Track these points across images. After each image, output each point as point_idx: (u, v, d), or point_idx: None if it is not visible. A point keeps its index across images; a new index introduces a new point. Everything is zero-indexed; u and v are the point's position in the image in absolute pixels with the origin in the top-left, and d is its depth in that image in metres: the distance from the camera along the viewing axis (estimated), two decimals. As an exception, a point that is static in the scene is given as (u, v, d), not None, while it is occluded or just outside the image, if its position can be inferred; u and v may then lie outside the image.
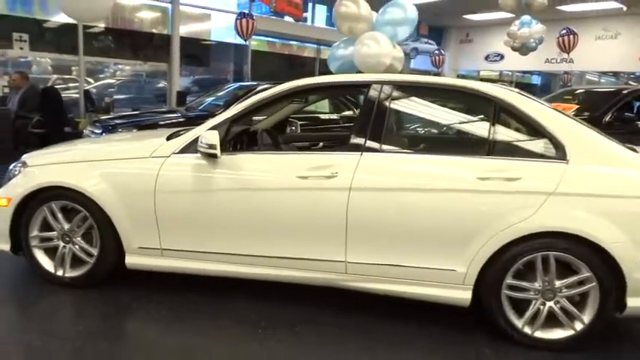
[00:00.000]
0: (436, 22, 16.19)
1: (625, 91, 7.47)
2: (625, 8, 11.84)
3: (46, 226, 3.07)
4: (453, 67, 17.38)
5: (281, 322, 2.80)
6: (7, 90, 8.27)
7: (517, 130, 2.78)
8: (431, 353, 2.60)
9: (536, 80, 20.04)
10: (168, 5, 11.50)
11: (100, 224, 2.97)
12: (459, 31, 16.81)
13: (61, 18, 9.93)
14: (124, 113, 7.95)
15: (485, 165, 2.64)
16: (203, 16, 12.99)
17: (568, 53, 11.29)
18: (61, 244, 3.07)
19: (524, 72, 17.07)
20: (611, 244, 2.48)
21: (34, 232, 3.07)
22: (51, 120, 7.92)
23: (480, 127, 2.86)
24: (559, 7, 12.05)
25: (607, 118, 7.03)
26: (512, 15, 10.29)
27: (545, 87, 18.61)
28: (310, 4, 14.17)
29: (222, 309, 2.92)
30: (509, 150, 2.73)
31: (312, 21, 14.29)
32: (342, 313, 2.94)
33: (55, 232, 3.06)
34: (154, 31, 12.17)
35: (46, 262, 3.11)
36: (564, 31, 11.36)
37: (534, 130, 2.69)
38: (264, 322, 2.78)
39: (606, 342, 2.74)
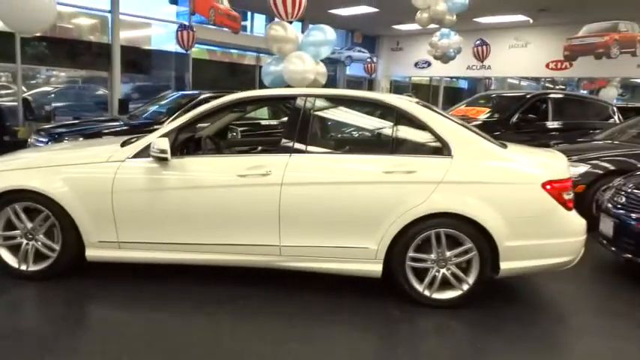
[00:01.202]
0: (369, 32, 17.18)
1: (528, 96, 8.59)
2: (531, 21, 13.27)
3: (9, 226, 3.41)
4: (386, 73, 18.44)
5: (223, 298, 3.31)
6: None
7: (414, 132, 3.44)
8: (350, 315, 3.20)
9: (463, 84, 21.51)
10: (108, 15, 11.61)
11: (61, 222, 3.35)
12: (391, 40, 17.90)
13: (-5, 26, 9.85)
14: (67, 122, 8.08)
15: (389, 161, 3.28)
16: (143, 24, 13.16)
17: (482, 61, 12.51)
18: (24, 241, 3.42)
19: (450, 77, 18.37)
20: (486, 220, 3.17)
21: (-2, 231, 3.41)
22: (-10, 129, 7.94)
23: (385, 131, 3.51)
24: (475, 19, 13.29)
25: (514, 119, 8.10)
26: (436, 26, 11.31)
27: (471, 90, 20.04)
28: (249, 13, 14.63)
29: (172, 291, 3.39)
30: (408, 149, 3.41)
31: (252, 30, 14.78)
32: (275, 289, 3.48)
33: (18, 231, 3.41)
34: (92, 38, 12.21)
35: (10, 259, 3.45)
36: (478, 42, 12.64)
37: (427, 132, 3.36)
38: (208, 299, 3.29)
39: (487, 298, 3.45)
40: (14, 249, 3.45)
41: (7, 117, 9.07)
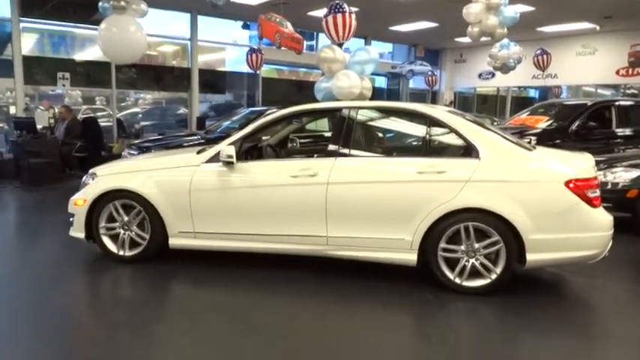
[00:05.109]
0: (432, 45, 17.45)
1: (589, 103, 8.49)
2: (598, 28, 12.96)
3: (110, 219, 4.22)
4: (450, 85, 18.54)
5: (280, 280, 3.89)
6: (51, 121, 9.57)
7: (444, 137, 3.86)
8: (389, 296, 3.65)
9: (533, 94, 21.02)
10: (188, 42, 12.91)
11: (150, 216, 4.11)
12: (454, 52, 18.03)
13: (94, 57, 11.36)
14: (152, 137, 9.15)
15: (422, 163, 3.72)
16: (218, 49, 14.42)
17: (543, 70, 12.40)
18: (122, 231, 4.21)
19: (516, 87, 18.11)
20: (511, 215, 3.50)
21: (102, 223, 4.22)
22: (90, 145, 9.21)
23: (419, 136, 3.96)
24: (539, 29, 13.20)
25: (573, 127, 8.06)
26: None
27: (542, 99, 19.54)
28: (315, 33, 15.48)
29: (237, 273, 4.02)
30: (439, 151, 3.83)
31: (316, 48, 15.60)
32: (323, 274, 4.01)
33: (117, 223, 4.21)
34: (174, 63, 13.56)
35: (111, 245, 4.25)
36: (539, 51, 12.56)
37: (456, 137, 3.77)
38: (268, 280, 3.88)
39: (514, 286, 3.75)
40: (114, 238, 4.25)
41: (104, 135, 10.38)
